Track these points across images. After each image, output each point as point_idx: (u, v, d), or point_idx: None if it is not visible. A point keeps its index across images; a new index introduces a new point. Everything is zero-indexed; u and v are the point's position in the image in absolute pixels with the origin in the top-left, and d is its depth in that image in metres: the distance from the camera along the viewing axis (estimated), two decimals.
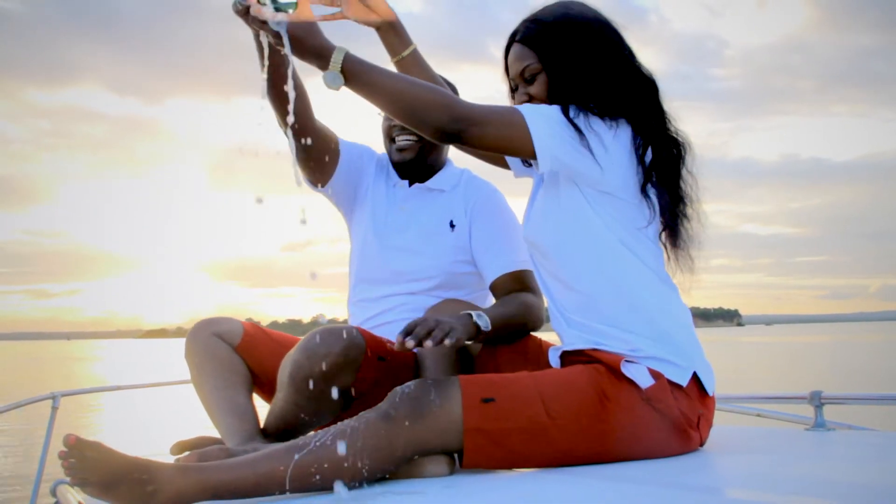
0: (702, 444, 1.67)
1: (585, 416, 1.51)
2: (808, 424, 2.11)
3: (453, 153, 2.28)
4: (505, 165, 1.97)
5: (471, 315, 1.68)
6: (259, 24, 1.50)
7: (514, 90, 1.78)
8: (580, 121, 1.59)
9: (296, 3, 1.51)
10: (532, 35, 1.70)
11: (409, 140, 2.13)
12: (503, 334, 1.86)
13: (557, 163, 1.59)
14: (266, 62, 1.70)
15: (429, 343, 1.51)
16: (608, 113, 1.61)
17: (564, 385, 1.54)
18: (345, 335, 1.71)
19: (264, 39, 1.54)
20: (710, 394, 1.62)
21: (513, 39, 1.75)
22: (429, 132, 1.55)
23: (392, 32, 1.86)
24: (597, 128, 1.59)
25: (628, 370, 1.55)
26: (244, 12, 1.51)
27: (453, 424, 1.46)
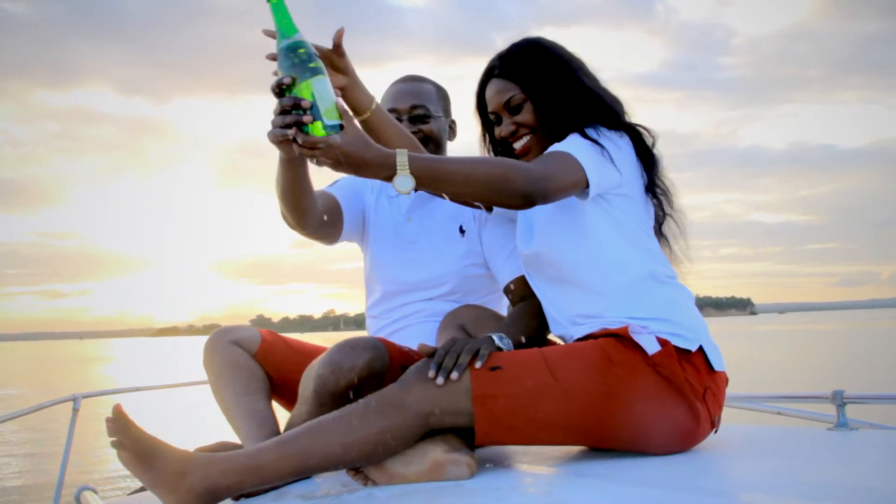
0: (714, 427, 1.68)
1: (590, 378, 1.55)
2: (829, 423, 2.09)
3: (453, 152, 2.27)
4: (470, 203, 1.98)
5: (493, 339, 1.68)
6: (309, 153, 1.47)
7: (493, 124, 1.87)
8: (598, 137, 1.69)
9: (341, 125, 1.47)
10: (510, 67, 1.80)
11: None
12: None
13: (601, 188, 1.68)
14: (287, 175, 1.75)
15: (454, 375, 1.52)
16: (609, 126, 1.74)
17: (570, 352, 1.61)
18: (368, 348, 1.71)
19: (305, 159, 1.50)
20: (717, 369, 1.65)
21: (489, 76, 1.84)
22: (514, 202, 1.56)
23: (357, 88, 1.80)
24: (610, 136, 1.71)
25: (636, 336, 1.59)
26: (287, 143, 1.48)
27: (462, 389, 1.52)
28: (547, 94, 1.77)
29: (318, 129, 1.45)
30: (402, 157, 1.48)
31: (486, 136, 1.94)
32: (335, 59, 1.74)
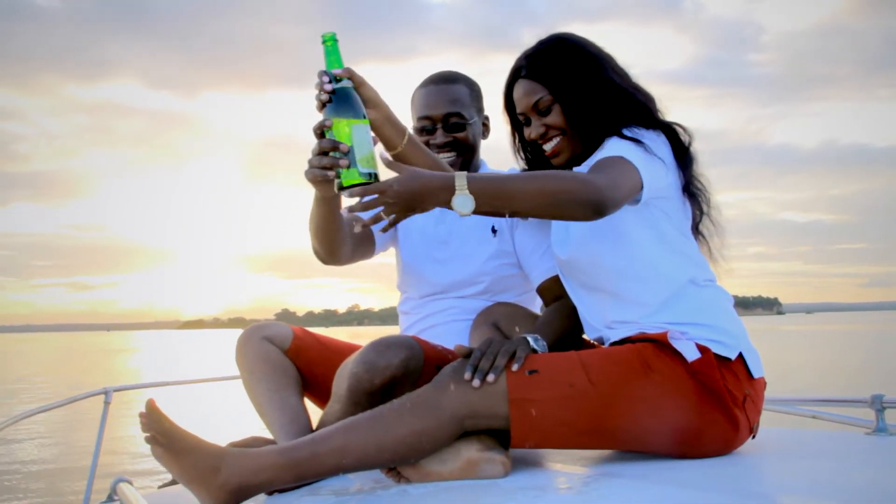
0: (753, 433, 1.66)
1: (628, 383, 1.54)
2: (867, 428, 2.06)
3: (486, 154, 2.25)
4: None
5: (528, 341, 1.66)
6: (368, 205, 1.47)
7: (522, 125, 1.83)
8: (639, 138, 1.65)
9: (375, 174, 1.48)
10: (537, 68, 1.76)
11: (450, 157, 2.12)
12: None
13: (652, 191, 1.63)
14: (323, 211, 1.77)
15: (491, 377, 1.52)
16: (643, 124, 1.70)
17: (608, 357, 1.59)
18: (404, 347, 1.71)
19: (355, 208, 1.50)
20: (756, 376, 1.63)
21: (516, 76, 1.80)
22: (583, 215, 1.50)
23: (389, 123, 1.68)
24: (647, 136, 1.67)
25: (675, 343, 1.57)
26: (323, 182, 1.53)
27: (499, 392, 1.51)
28: (576, 95, 1.72)
29: (352, 175, 1.47)
30: (460, 180, 1.46)
31: (516, 136, 1.91)
32: (360, 91, 1.64)
